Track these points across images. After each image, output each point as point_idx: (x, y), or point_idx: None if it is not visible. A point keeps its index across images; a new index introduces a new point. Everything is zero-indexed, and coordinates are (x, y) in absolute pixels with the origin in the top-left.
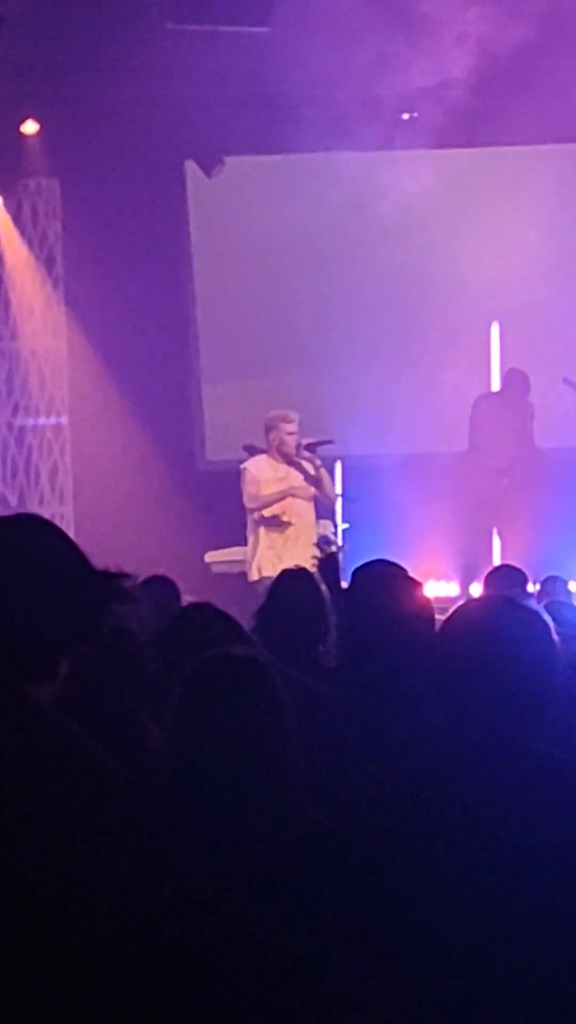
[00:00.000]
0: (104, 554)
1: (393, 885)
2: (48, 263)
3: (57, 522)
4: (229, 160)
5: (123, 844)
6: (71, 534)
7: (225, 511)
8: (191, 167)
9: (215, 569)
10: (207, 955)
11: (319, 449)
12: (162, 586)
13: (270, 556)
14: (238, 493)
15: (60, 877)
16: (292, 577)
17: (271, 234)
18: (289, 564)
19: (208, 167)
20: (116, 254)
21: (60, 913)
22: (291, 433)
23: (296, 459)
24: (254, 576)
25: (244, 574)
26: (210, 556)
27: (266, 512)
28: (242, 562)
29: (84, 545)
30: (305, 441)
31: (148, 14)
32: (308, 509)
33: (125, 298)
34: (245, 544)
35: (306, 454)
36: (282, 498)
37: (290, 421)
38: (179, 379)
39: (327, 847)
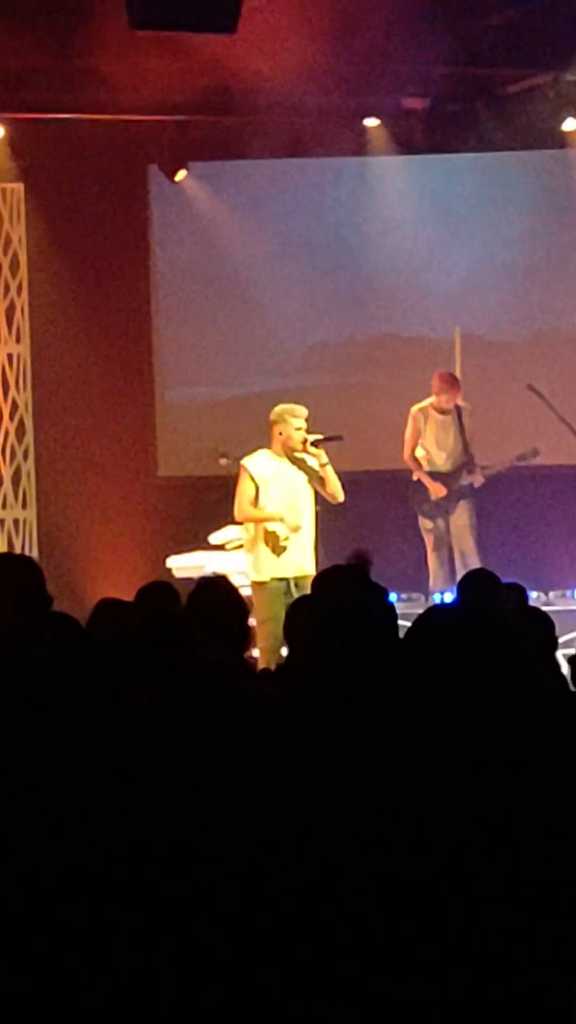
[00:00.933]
0: (68, 558)
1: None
2: (12, 268)
3: (20, 528)
4: (192, 165)
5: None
6: (34, 538)
7: (184, 518)
8: (154, 172)
9: (177, 574)
10: (189, 971)
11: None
12: (161, 592)
13: (269, 556)
14: (195, 501)
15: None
16: (209, 585)
17: (233, 241)
18: (289, 565)
19: (171, 172)
20: (80, 259)
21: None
22: (299, 428)
23: (299, 456)
24: (255, 576)
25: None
26: (171, 561)
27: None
28: (202, 567)
29: (48, 549)
30: (312, 437)
31: (113, 19)
32: (308, 509)
33: (88, 303)
34: (206, 550)
35: (312, 450)
36: (270, 519)
37: (298, 416)
38: (137, 389)
39: (299, 852)
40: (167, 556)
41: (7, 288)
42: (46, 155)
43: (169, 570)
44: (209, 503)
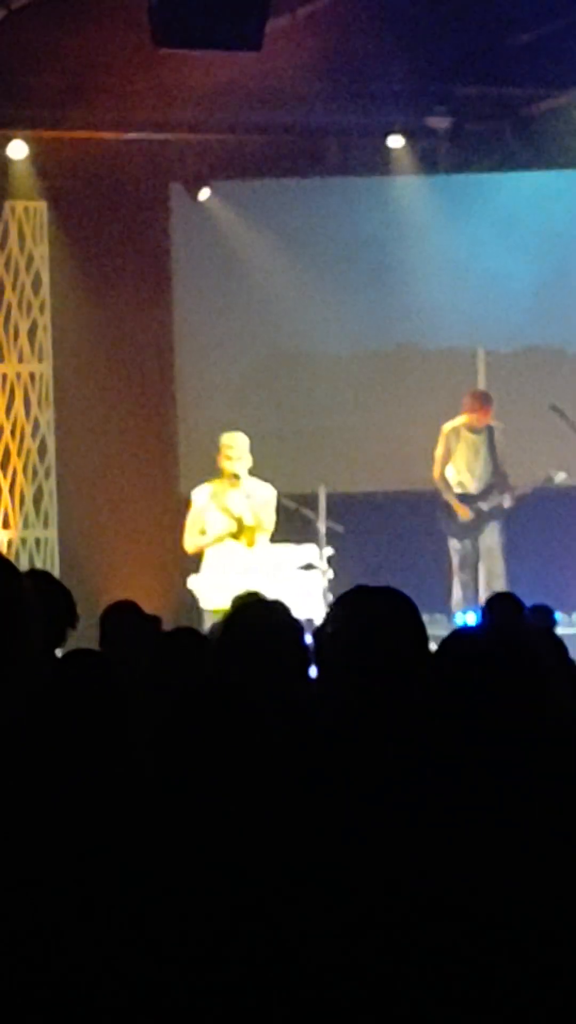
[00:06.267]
0: (89, 577)
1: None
2: (34, 287)
3: (41, 547)
4: (214, 184)
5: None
6: (55, 558)
7: None
8: (176, 190)
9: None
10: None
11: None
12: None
13: (217, 584)
14: None
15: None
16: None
17: (255, 259)
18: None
19: (193, 191)
20: (102, 278)
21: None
22: (227, 457)
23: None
24: (204, 605)
25: None
26: (192, 582)
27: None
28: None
29: (69, 568)
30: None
31: (138, 38)
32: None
33: (110, 322)
34: None
35: (252, 487)
36: (212, 542)
37: (226, 443)
38: (159, 407)
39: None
40: (188, 576)
41: (29, 307)
42: (69, 174)
43: (190, 591)
44: None
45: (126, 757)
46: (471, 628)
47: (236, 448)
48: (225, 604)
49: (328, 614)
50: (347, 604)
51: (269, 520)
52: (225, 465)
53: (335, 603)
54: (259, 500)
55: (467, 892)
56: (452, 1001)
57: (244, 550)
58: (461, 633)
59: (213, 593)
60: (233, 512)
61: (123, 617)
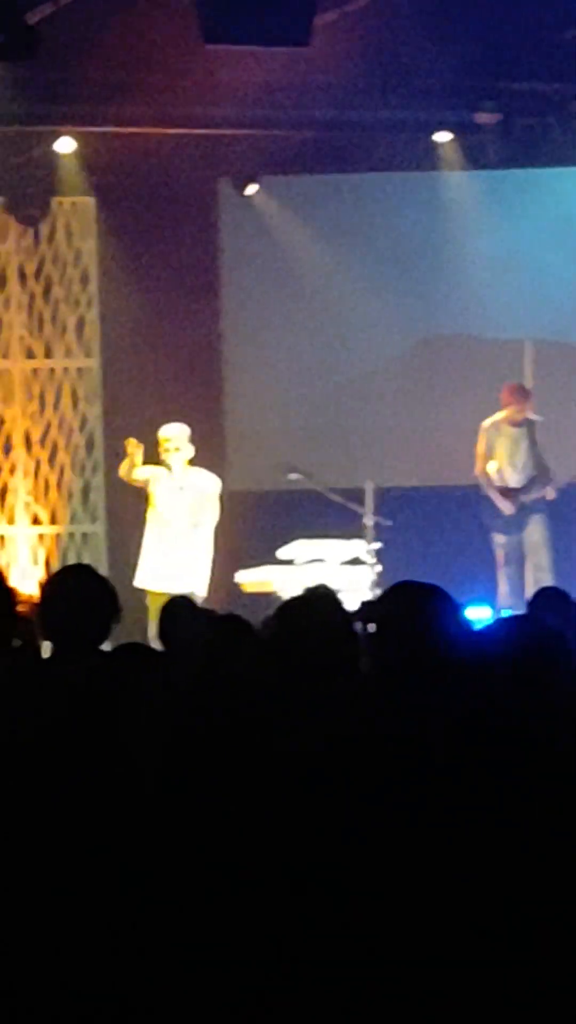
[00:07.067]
0: (136, 572)
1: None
2: (82, 282)
3: (89, 542)
4: (262, 179)
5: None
6: (103, 552)
7: (252, 533)
8: (224, 186)
9: (246, 589)
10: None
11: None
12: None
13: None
14: (263, 515)
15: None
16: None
17: (303, 255)
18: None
19: (241, 186)
20: (150, 273)
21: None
22: (165, 450)
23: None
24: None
25: (271, 594)
26: (240, 576)
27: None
28: (270, 582)
29: (116, 563)
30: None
31: (186, 34)
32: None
33: (157, 317)
34: (274, 564)
35: (191, 479)
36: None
37: (161, 436)
38: (206, 402)
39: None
40: (235, 570)
41: (77, 302)
42: (116, 169)
43: (238, 584)
44: (278, 517)
45: (167, 748)
46: (511, 618)
47: (172, 440)
48: (154, 587)
49: (372, 607)
50: (392, 599)
51: (203, 514)
52: (162, 457)
53: (380, 597)
54: (194, 493)
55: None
56: (453, 1001)
57: (172, 537)
58: (501, 623)
59: (145, 575)
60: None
61: (181, 611)
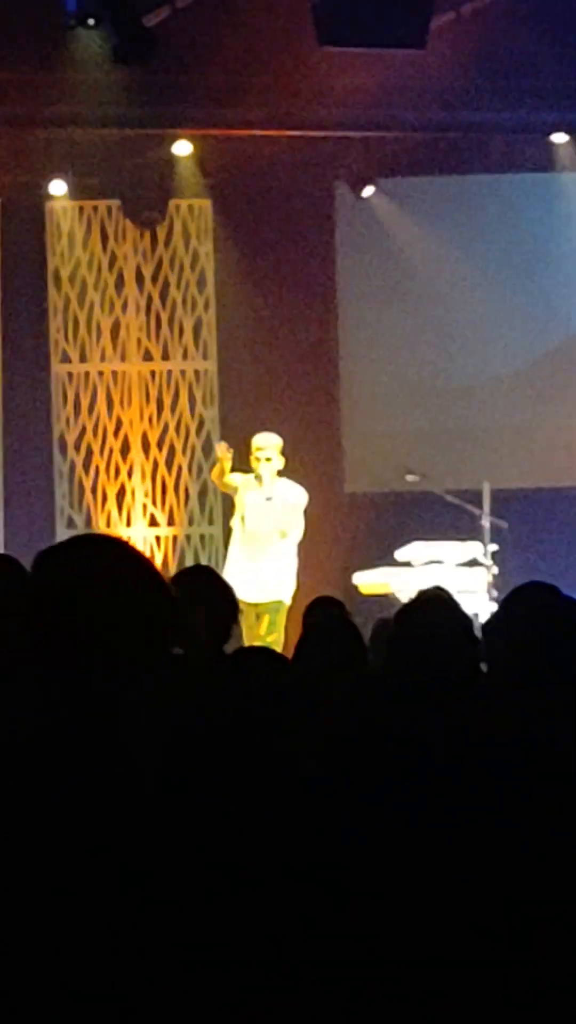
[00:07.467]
0: None
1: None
2: (199, 285)
3: (206, 543)
4: (379, 181)
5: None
6: (219, 554)
7: (370, 534)
8: (340, 188)
9: (363, 591)
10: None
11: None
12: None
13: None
14: (380, 517)
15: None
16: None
17: (419, 257)
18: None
19: (358, 188)
20: (266, 275)
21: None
22: (256, 459)
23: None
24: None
25: (387, 596)
26: (357, 577)
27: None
28: (387, 584)
29: None
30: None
31: (301, 36)
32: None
33: (274, 320)
34: (391, 565)
35: (279, 490)
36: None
37: (255, 445)
38: (324, 405)
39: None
40: (352, 572)
41: (194, 305)
42: (233, 171)
43: (355, 586)
44: (395, 519)
45: (286, 751)
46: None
47: (265, 450)
48: (241, 596)
49: (500, 609)
50: (519, 600)
51: (290, 525)
52: (253, 466)
53: (507, 599)
54: (281, 504)
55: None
56: (453, 1001)
57: (259, 547)
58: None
59: (232, 585)
60: (243, 509)
61: (325, 611)
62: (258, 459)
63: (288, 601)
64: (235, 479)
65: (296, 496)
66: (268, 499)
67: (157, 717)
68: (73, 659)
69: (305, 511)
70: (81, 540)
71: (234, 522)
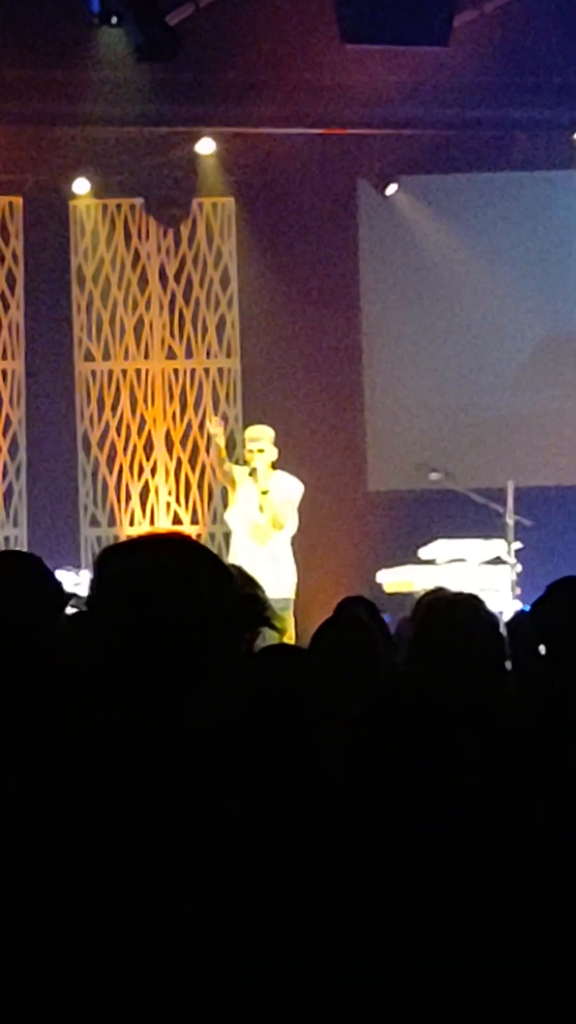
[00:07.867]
0: None
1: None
2: (222, 282)
3: (229, 541)
4: (402, 179)
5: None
6: None
7: (394, 532)
8: (364, 186)
9: (387, 589)
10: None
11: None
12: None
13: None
14: (404, 515)
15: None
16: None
17: (442, 254)
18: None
19: (381, 186)
20: (289, 273)
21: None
22: (248, 451)
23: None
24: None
25: (412, 594)
26: (381, 576)
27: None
28: (412, 582)
29: None
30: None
31: (324, 34)
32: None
33: (297, 317)
34: (415, 563)
35: (274, 482)
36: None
37: (248, 436)
38: (346, 402)
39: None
40: (377, 570)
41: (218, 303)
42: (256, 169)
43: (379, 584)
44: (419, 517)
45: (314, 750)
46: None
47: (257, 441)
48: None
49: (535, 607)
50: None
51: (285, 517)
52: (247, 459)
53: (543, 597)
54: (277, 497)
55: None
56: (453, 1001)
57: (258, 541)
58: None
59: None
60: (237, 502)
61: (356, 610)
62: (251, 451)
63: (290, 594)
64: (235, 471)
65: (291, 488)
66: (263, 492)
67: (231, 718)
68: (146, 660)
69: (326, 509)
70: (147, 539)
71: (229, 516)
